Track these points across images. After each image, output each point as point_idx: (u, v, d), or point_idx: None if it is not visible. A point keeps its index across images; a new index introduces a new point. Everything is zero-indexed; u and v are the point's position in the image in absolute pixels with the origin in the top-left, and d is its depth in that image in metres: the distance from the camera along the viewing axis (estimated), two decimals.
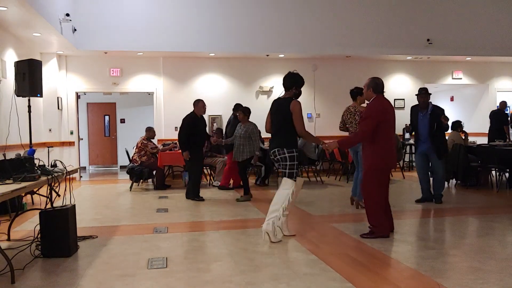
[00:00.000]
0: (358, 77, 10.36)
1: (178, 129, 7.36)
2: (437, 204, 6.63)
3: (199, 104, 7.29)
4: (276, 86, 10.91)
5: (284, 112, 4.64)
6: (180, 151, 8.97)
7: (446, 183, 8.75)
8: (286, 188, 4.59)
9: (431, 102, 6.69)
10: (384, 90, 4.81)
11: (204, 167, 9.23)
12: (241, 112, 7.37)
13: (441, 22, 10.87)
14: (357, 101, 6.45)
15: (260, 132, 7.92)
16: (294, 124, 4.59)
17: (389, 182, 4.97)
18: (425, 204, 6.67)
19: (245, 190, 7.26)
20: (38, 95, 6.57)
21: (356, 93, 6.47)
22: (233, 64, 10.77)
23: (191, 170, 7.41)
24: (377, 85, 4.69)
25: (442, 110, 6.71)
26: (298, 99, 4.72)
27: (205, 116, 10.64)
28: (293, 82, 4.72)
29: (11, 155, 4.80)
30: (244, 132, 7.20)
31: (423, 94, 6.58)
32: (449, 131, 8.84)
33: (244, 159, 7.20)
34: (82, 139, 11.41)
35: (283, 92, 4.84)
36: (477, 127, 12.29)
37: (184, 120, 7.27)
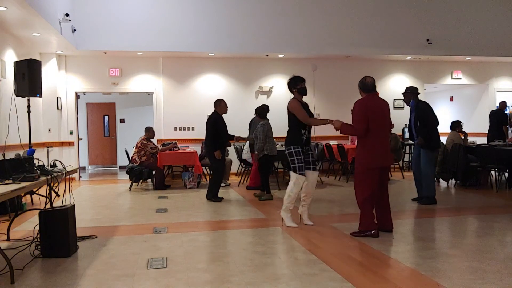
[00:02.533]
0: (358, 77, 10.19)
1: (206, 130, 7.28)
2: (422, 205, 6.51)
3: (222, 104, 7.26)
4: (275, 86, 10.92)
5: (287, 113, 5.20)
6: (178, 151, 9.04)
7: (446, 183, 8.80)
8: (290, 180, 5.15)
9: (418, 99, 6.61)
10: (376, 90, 4.85)
11: (204, 167, 9.26)
12: (255, 113, 7.62)
13: (441, 22, 10.88)
14: None
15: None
16: (298, 117, 5.05)
17: (387, 181, 4.97)
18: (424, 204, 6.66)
19: (263, 188, 7.36)
20: (38, 95, 6.56)
21: None
22: (232, 64, 10.77)
23: (214, 170, 7.40)
24: (363, 85, 4.82)
25: (424, 106, 6.56)
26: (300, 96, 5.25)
27: (204, 116, 10.65)
28: (289, 86, 5.31)
29: (10, 155, 4.80)
30: (256, 131, 7.40)
31: (407, 93, 6.64)
32: (449, 130, 8.87)
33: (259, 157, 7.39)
34: (81, 139, 11.41)
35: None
36: (477, 127, 12.30)
37: (210, 120, 7.22)
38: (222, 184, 8.66)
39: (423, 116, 6.48)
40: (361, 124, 4.62)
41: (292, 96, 5.32)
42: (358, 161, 4.78)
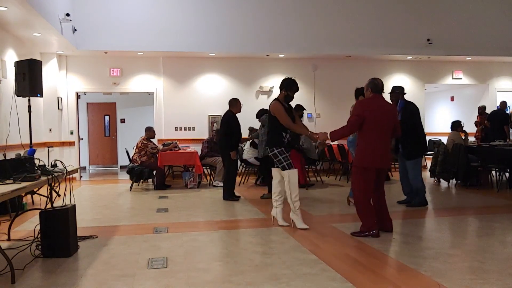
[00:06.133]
0: (358, 77, 10.35)
1: (220, 129, 7.37)
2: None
3: (238, 104, 7.33)
4: (276, 86, 10.90)
5: (269, 114, 5.23)
6: (178, 151, 9.04)
7: (447, 183, 8.79)
8: (285, 180, 5.08)
9: (405, 100, 6.46)
10: (383, 91, 4.87)
11: (204, 167, 9.26)
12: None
13: (441, 22, 10.87)
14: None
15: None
16: (280, 121, 5.05)
17: (383, 181, 4.95)
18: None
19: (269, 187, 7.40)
20: (38, 95, 6.56)
21: (359, 93, 6.44)
22: (233, 64, 10.77)
23: (226, 169, 7.40)
24: (375, 85, 4.80)
25: (414, 108, 6.42)
26: (287, 102, 5.25)
27: (205, 116, 10.72)
28: (282, 85, 5.23)
29: (11, 155, 4.80)
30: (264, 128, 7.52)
31: (395, 93, 6.41)
32: (449, 130, 8.86)
33: (260, 156, 7.54)
34: (82, 139, 11.41)
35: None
36: None
37: (226, 119, 7.27)
38: (220, 185, 8.69)
39: (411, 119, 6.27)
40: (355, 121, 4.64)
41: (277, 96, 5.27)
42: (354, 160, 4.82)
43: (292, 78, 5.28)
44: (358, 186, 4.74)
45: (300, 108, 8.38)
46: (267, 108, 7.90)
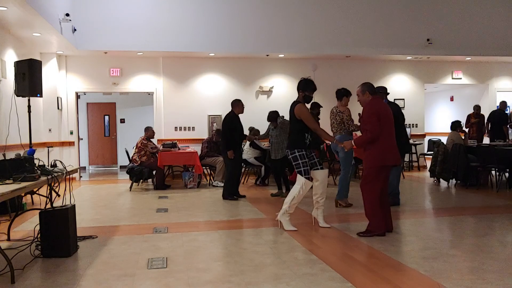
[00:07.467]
0: (358, 77, 10.35)
1: (222, 129, 7.46)
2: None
3: (240, 104, 7.40)
4: (276, 86, 10.92)
5: (290, 115, 5.11)
6: (178, 150, 9.04)
7: (446, 183, 8.80)
8: (297, 184, 4.97)
9: (388, 100, 6.45)
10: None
11: (204, 167, 9.26)
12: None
13: (441, 22, 10.87)
14: (342, 102, 6.44)
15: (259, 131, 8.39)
16: (307, 125, 4.98)
17: (388, 180, 4.95)
18: (424, 204, 6.66)
19: (279, 186, 7.63)
20: (38, 95, 6.56)
21: (342, 93, 6.45)
22: (233, 64, 10.77)
23: (227, 168, 7.46)
24: (371, 87, 4.89)
25: (398, 108, 6.41)
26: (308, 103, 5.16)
27: (205, 116, 10.72)
28: (299, 87, 5.15)
29: (11, 155, 4.80)
30: (279, 131, 7.56)
31: (380, 93, 6.14)
32: (449, 130, 8.87)
33: (279, 158, 7.53)
34: (82, 139, 11.41)
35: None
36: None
37: (226, 120, 7.34)
38: (220, 184, 8.68)
39: (396, 120, 6.24)
40: (375, 125, 4.62)
41: (297, 97, 5.19)
42: (370, 160, 4.73)
43: (308, 78, 5.18)
44: (371, 186, 4.69)
45: (316, 105, 8.31)
46: (276, 110, 7.99)
